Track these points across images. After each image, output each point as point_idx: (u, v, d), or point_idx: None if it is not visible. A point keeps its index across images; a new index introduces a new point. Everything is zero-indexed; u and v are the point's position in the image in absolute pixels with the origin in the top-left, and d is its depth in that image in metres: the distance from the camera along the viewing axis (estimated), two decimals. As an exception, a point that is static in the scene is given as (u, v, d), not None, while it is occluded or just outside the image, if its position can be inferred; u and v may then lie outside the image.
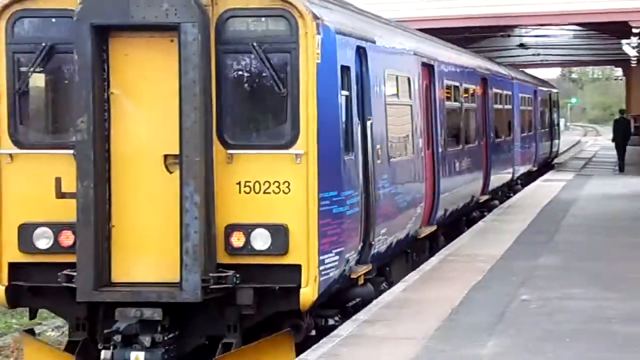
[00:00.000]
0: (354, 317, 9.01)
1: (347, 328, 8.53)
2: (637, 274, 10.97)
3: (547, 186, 24.22)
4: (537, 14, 29.73)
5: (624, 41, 27.52)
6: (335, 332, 8.48)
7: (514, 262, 12.04)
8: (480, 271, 11.33)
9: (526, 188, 23.82)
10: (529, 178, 26.79)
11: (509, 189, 22.98)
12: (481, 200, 18.32)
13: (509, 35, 43.59)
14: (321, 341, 8.12)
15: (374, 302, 9.86)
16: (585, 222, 16.30)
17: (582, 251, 12.92)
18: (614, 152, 43.63)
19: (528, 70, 42.81)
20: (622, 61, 46.55)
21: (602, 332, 8.19)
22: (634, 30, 28.35)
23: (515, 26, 39.69)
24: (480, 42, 43.46)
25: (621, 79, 63.92)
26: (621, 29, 30.75)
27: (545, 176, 28.31)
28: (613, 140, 31.79)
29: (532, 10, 29.32)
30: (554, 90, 40.53)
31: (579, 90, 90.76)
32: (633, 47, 27.80)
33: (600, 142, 56.81)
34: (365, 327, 8.56)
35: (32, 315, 9.28)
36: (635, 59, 35.29)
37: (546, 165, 33.34)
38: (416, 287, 10.53)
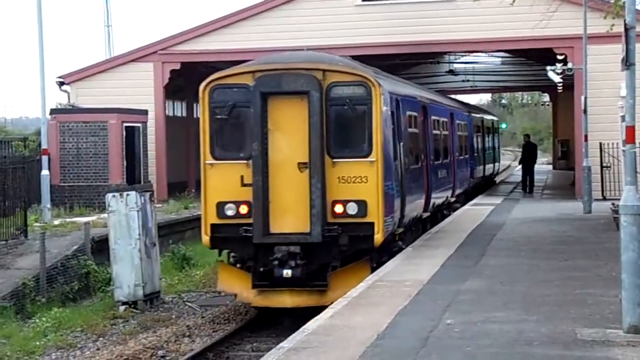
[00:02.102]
0: (279, 346, 9.01)
1: (271, 357, 8.51)
2: (558, 297, 11.18)
3: (476, 210, 24.54)
4: (465, 40, 30.34)
5: (548, 67, 28.12)
6: (260, 360, 8.58)
7: (440, 286, 12.17)
8: (406, 296, 11.43)
9: (455, 212, 24.11)
10: (478, 188, 33.13)
11: (466, 197, 28.67)
12: (451, 201, 24.56)
13: (438, 62, 44.28)
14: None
15: (301, 329, 9.88)
16: (511, 245, 16.54)
17: (506, 275, 13.09)
18: (543, 177, 44.70)
19: (458, 97, 43.52)
20: (549, 87, 47.55)
21: (523, 355, 8.31)
22: (558, 57, 29.05)
23: (445, 53, 40.33)
24: (410, 68, 44.05)
25: (548, 105, 65.20)
26: (546, 56, 31.51)
27: (474, 200, 28.70)
28: (520, 162, 34.12)
29: (461, 37, 29.92)
30: (495, 119, 43.59)
31: (509, 115, 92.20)
32: (557, 73, 28.40)
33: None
34: (290, 355, 8.56)
35: (219, 254, 15.67)
36: (561, 84, 36.05)
37: (490, 180, 39.10)
38: (343, 313, 10.57)
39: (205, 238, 14.94)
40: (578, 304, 10.64)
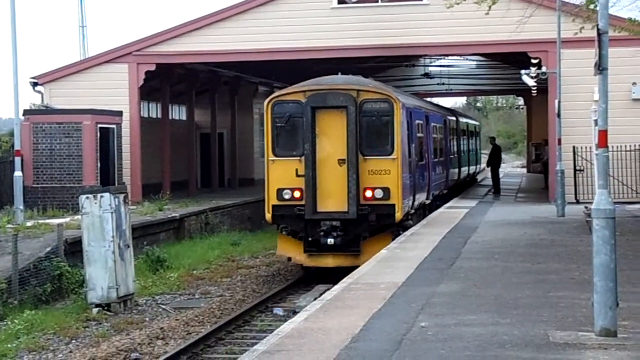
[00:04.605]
0: (253, 348, 8.99)
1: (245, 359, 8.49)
2: (531, 299, 11.24)
3: (451, 213, 24.60)
4: (440, 44, 30.41)
5: (523, 71, 28.27)
6: (234, 363, 8.61)
7: (415, 289, 12.20)
8: (381, 299, 11.45)
9: (430, 215, 24.19)
10: (464, 184, 37.20)
11: (454, 191, 32.86)
12: (444, 193, 29.53)
13: (414, 65, 44.40)
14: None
15: (275, 331, 9.88)
16: (485, 248, 16.60)
17: (480, 277, 13.14)
18: (517, 180, 44.99)
19: (434, 99, 43.65)
20: (524, 90, 47.85)
21: (496, 357, 8.35)
22: (533, 61, 29.22)
23: (420, 56, 40.42)
24: (386, 71, 44.15)
25: (523, 108, 65.56)
26: (521, 60, 31.69)
27: (449, 203, 28.77)
28: (488, 165, 36.02)
29: (436, 40, 29.97)
30: (477, 124, 45.50)
31: (484, 118, 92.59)
32: (531, 77, 28.58)
33: (503, 169, 57.98)
34: (263, 358, 8.53)
35: (277, 227, 20.53)
36: (535, 88, 36.26)
37: (473, 177, 42.83)
38: (318, 316, 10.56)
39: (268, 215, 19.92)
40: (551, 306, 10.70)
